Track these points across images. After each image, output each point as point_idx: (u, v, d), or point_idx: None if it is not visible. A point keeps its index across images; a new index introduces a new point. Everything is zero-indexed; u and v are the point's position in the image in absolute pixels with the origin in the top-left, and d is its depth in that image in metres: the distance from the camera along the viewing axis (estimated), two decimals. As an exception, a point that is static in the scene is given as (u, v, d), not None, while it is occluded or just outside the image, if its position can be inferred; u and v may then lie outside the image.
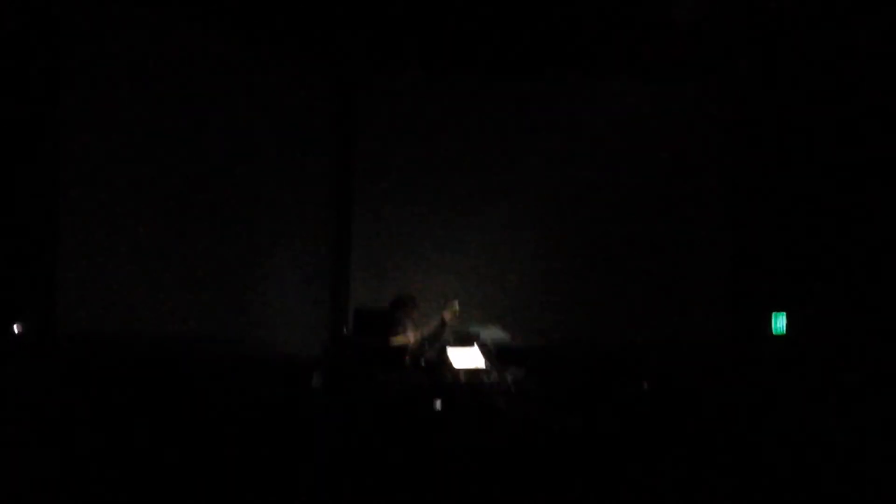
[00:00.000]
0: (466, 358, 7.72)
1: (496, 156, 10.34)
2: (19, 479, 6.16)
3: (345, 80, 10.33)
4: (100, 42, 8.53)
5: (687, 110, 10.41)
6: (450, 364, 7.61)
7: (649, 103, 10.36)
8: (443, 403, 7.42)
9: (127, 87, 8.75)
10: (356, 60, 10.23)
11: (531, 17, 9.48)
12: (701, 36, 9.66)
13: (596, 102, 10.40)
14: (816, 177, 9.51)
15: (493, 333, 8.20)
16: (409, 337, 8.15)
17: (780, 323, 9.37)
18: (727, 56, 10.04)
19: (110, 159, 8.66)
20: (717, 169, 10.35)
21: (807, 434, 7.31)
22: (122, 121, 8.71)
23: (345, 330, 9.04)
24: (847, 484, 6.55)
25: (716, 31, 9.65)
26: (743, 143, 10.21)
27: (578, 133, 10.34)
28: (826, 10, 9.13)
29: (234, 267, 9.50)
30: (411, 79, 10.35)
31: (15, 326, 7.83)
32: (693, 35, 9.62)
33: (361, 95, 10.36)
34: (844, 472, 6.75)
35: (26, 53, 8.05)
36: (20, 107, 8.04)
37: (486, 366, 7.67)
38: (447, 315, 8.13)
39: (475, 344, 7.86)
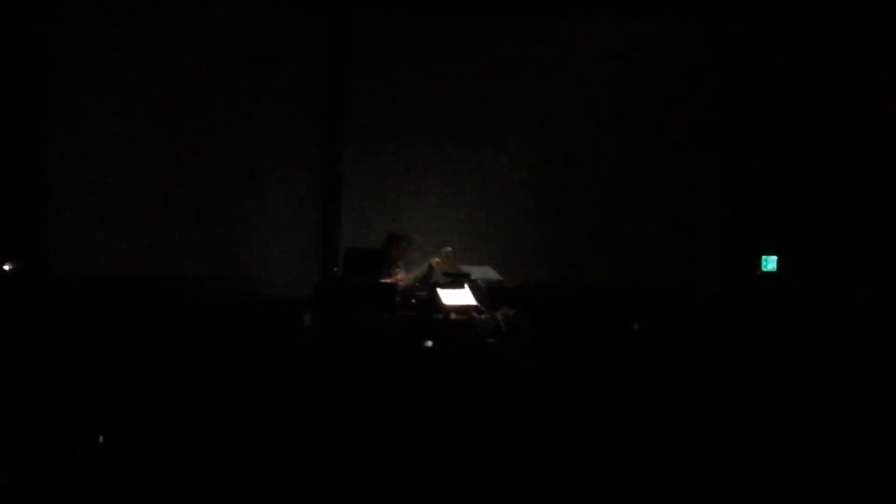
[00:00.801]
0: (457, 297, 7.76)
1: (488, 98, 10.26)
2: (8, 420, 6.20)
3: (336, 20, 10.20)
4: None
5: (679, 52, 10.31)
6: (440, 302, 7.64)
7: (641, 45, 10.26)
8: (433, 342, 7.46)
9: (117, 30, 8.66)
10: (348, 2, 10.10)
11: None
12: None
13: (588, 43, 10.31)
14: (807, 119, 9.49)
15: (485, 274, 8.23)
16: (399, 276, 8.18)
17: (769, 263, 9.41)
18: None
19: (99, 102, 8.61)
20: (707, 110, 10.29)
21: (796, 374, 7.38)
22: (110, 64, 8.64)
23: (335, 269, 9.05)
24: (835, 424, 6.63)
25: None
26: (734, 85, 10.14)
27: (569, 75, 10.26)
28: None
29: (225, 207, 9.50)
30: (403, 19, 10.23)
31: (6, 266, 7.84)
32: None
33: (353, 37, 10.23)
34: (832, 411, 6.83)
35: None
36: (8, 51, 7.96)
37: (477, 304, 7.71)
38: (435, 262, 8.16)
39: (466, 284, 7.89)
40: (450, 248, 8.32)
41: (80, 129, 8.56)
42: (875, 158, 9.08)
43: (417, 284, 8.12)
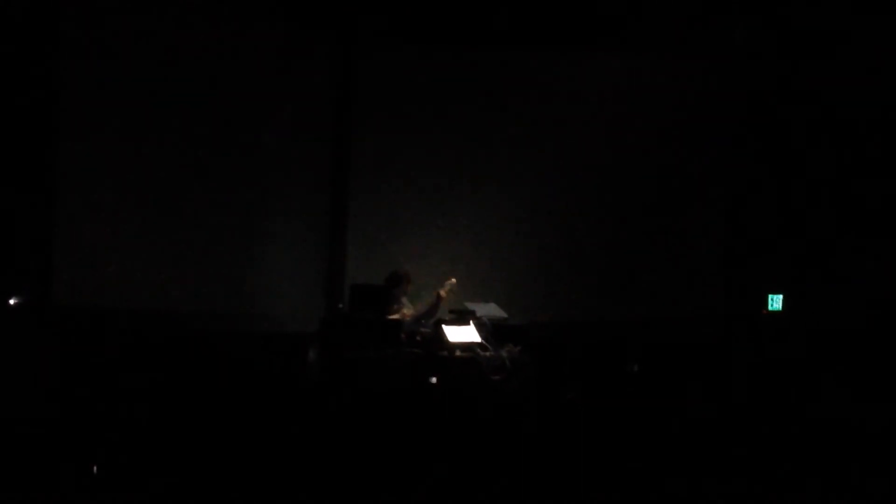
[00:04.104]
0: (462, 334, 7.75)
1: (493, 133, 10.30)
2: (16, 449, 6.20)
3: (342, 56, 10.27)
4: (97, 8, 8.54)
5: (684, 87, 10.36)
6: (445, 339, 7.63)
7: (649, 83, 10.33)
8: (438, 379, 7.44)
9: (123, 62, 8.72)
10: (355, 36, 10.17)
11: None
12: (701, 9, 9.66)
13: (594, 81, 10.37)
14: (815, 158, 9.52)
15: (490, 310, 8.21)
16: (404, 313, 8.17)
17: (775, 301, 9.40)
18: (728, 30, 10.01)
19: (106, 135, 8.65)
20: (713, 147, 10.33)
21: (804, 411, 7.36)
22: (119, 97, 8.69)
23: (340, 305, 9.04)
24: (843, 459, 6.61)
25: (716, 5, 9.65)
26: (740, 122, 10.19)
27: (574, 110, 10.31)
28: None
29: (231, 242, 9.50)
30: (410, 54, 10.29)
31: (11, 300, 7.85)
32: (693, 8, 9.62)
33: (359, 72, 10.29)
34: (839, 447, 6.80)
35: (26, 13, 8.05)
36: (19, 78, 8.02)
37: (482, 342, 7.70)
38: (443, 293, 8.15)
39: (471, 321, 7.88)
40: (454, 280, 8.31)
41: (88, 162, 8.59)
42: (885, 196, 9.09)
43: (424, 322, 8.10)
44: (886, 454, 6.67)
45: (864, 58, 9.25)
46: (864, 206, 9.33)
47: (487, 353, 7.61)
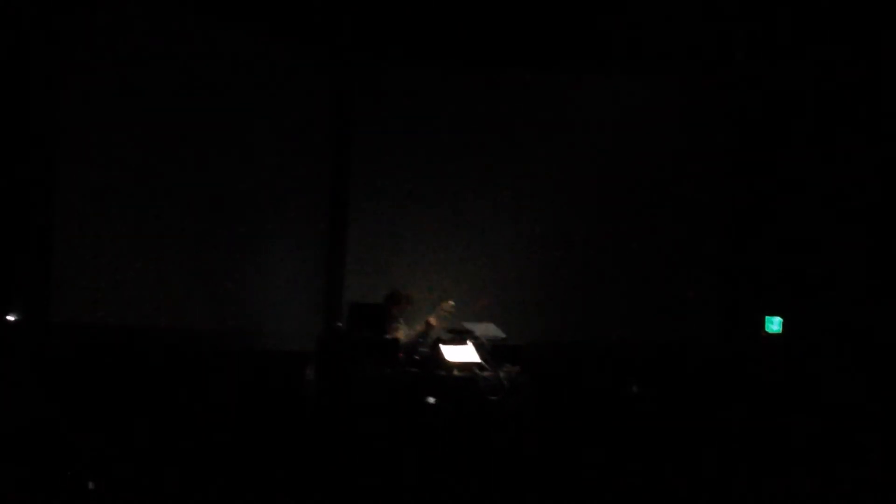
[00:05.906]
0: (460, 354, 7.73)
1: (493, 152, 10.34)
2: (11, 472, 6.16)
3: (341, 74, 10.31)
4: (96, 25, 8.57)
5: (683, 109, 10.39)
6: (443, 359, 7.62)
7: (646, 102, 10.35)
8: (436, 398, 7.42)
9: (122, 78, 8.74)
10: (353, 55, 10.21)
11: (530, 11, 9.51)
12: (700, 30, 9.69)
13: (591, 98, 10.40)
14: (814, 178, 9.52)
15: (488, 330, 8.20)
16: (400, 333, 8.16)
17: (774, 324, 9.37)
18: (727, 54, 10.04)
19: (105, 150, 8.65)
20: (712, 168, 10.34)
21: (798, 434, 7.33)
22: (117, 112, 8.70)
23: (339, 323, 9.04)
24: (840, 482, 6.58)
25: (715, 26, 9.67)
26: (739, 143, 10.20)
27: (574, 130, 10.34)
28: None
29: (229, 260, 9.51)
30: (409, 73, 10.33)
31: (9, 316, 7.83)
32: (691, 29, 9.64)
33: (358, 90, 10.33)
34: (836, 471, 6.77)
35: (26, 36, 8.06)
36: (18, 93, 8.02)
37: (480, 362, 7.69)
38: (433, 320, 8.14)
39: (469, 341, 7.87)
40: (452, 302, 8.30)
41: (85, 178, 8.59)
42: (886, 214, 9.08)
43: (420, 340, 8.10)
44: (888, 476, 6.65)
45: (864, 74, 9.25)
46: (865, 226, 9.31)
47: (485, 373, 7.59)
